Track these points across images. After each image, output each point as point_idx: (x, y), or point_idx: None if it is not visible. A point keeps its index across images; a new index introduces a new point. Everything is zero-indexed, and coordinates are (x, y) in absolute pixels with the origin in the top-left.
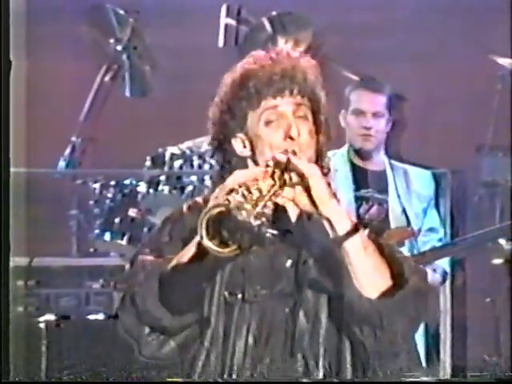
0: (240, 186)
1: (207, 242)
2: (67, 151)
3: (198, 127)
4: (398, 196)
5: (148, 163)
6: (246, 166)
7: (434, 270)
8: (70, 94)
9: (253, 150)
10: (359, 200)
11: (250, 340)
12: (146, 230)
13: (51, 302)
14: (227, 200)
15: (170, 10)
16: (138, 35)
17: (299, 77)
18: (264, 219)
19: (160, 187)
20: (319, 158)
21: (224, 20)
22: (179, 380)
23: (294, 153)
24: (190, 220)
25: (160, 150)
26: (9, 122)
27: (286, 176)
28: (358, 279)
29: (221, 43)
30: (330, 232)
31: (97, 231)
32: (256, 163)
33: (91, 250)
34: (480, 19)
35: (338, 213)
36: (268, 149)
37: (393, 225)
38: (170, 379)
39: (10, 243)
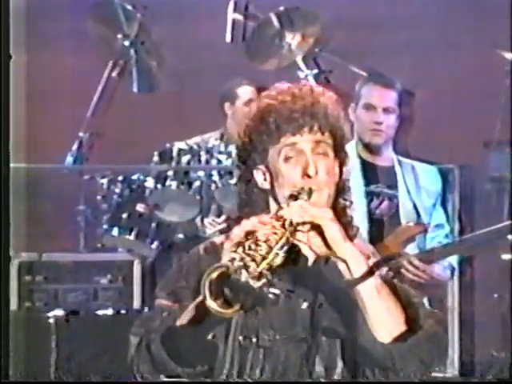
0: (248, 238)
1: (211, 303)
2: (75, 147)
3: (205, 122)
4: (408, 192)
5: (156, 158)
6: (266, 199)
7: (445, 267)
8: (78, 89)
9: (272, 183)
10: (369, 195)
11: None
12: (153, 225)
13: (59, 297)
14: (232, 258)
15: (178, 6)
16: (145, 31)
17: (320, 113)
18: (265, 280)
19: (167, 182)
20: (342, 191)
21: (231, 15)
22: (179, 380)
23: (311, 190)
24: (206, 263)
25: (167, 145)
26: (9, 119)
27: (298, 224)
28: (371, 323)
29: (228, 39)
30: (344, 274)
31: (105, 226)
32: (275, 197)
33: (99, 245)
34: (487, 14)
35: (354, 255)
36: (286, 185)
37: (403, 220)
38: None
39: (9, 239)
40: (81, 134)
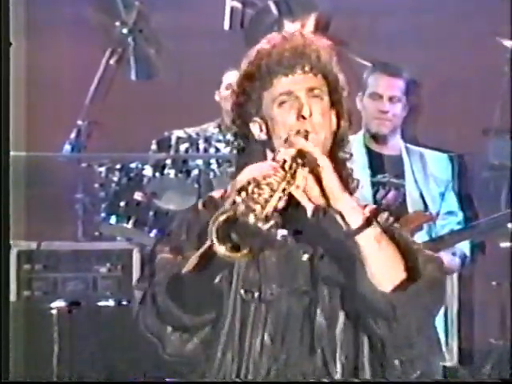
0: (249, 183)
1: (219, 248)
2: (73, 135)
3: (203, 110)
4: (415, 180)
5: (154, 147)
6: (263, 151)
7: (454, 254)
8: (76, 77)
9: (269, 133)
10: (376, 185)
11: (267, 338)
12: (151, 213)
13: (58, 286)
14: (236, 202)
15: None
16: (143, 18)
17: (311, 54)
18: (273, 221)
19: (166, 171)
20: (341, 143)
21: (230, 3)
22: (179, 380)
23: (307, 132)
24: (205, 217)
25: (166, 133)
26: (9, 107)
27: (298, 164)
28: (372, 273)
29: (226, 26)
30: (342, 225)
31: (102, 215)
32: (272, 148)
33: (96, 233)
34: (488, 2)
35: (350, 207)
36: (282, 130)
37: (410, 209)
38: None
39: (9, 227)
40: (79, 122)
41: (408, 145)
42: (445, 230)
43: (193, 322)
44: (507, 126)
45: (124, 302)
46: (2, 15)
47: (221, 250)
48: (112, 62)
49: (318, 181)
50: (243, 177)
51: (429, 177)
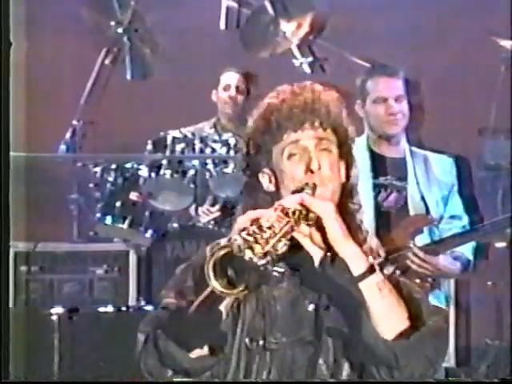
0: (252, 225)
1: (214, 283)
2: (68, 135)
3: (200, 110)
4: (418, 183)
5: (149, 147)
6: (271, 202)
7: (456, 258)
8: (71, 77)
9: (277, 185)
10: (377, 188)
11: None
12: (147, 214)
13: (55, 288)
14: (234, 239)
15: None
16: (139, 18)
17: (321, 109)
18: (269, 258)
19: (162, 171)
20: (349, 194)
21: (225, 2)
22: (179, 380)
23: (314, 185)
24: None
25: (161, 133)
26: (9, 107)
27: (302, 213)
28: (375, 320)
29: (222, 26)
30: (346, 273)
31: (98, 215)
32: (281, 198)
33: (91, 233)
34: (484, 1)
35: (353, 254)
36: (291, 183)
37: (412, 212)
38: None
39: (9, 228)
40: (74, 122)
41: (413, 148)
42: (449, 234)
43: (193, 365)
44: (503, 126)
45: (123, 308)
46: (2, 17)
47: (216, 285)
48: (107, 61)
49: (321, 226)
50: (245, 218)
51: (432, 180)
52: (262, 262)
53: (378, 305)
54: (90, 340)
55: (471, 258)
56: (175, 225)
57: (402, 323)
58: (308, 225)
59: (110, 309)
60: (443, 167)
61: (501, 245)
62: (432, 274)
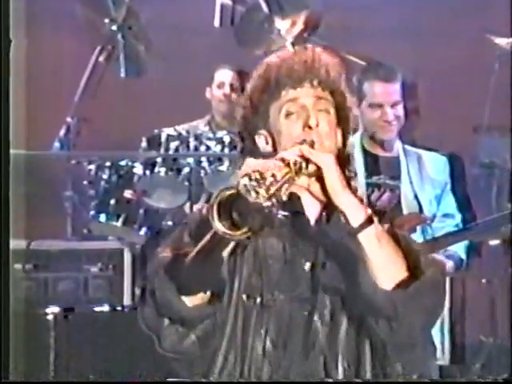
0: (254, 172)
1: (218, 225)
2: (62, 132)
3: (193, 108)
4: (411, 182)
5: (144, 144)
6: None
7: (448, 257)
8: (64, 74)
9: (275, 146)
10: (371, 187)
11: (268, 344)
12: (141, 211)
13: (49, 286)
14: (240, 183)
15: None
16: (133, 15)
17: (320, 69)
18: (275, 200)
19: (156, 169)
20: (345, 161)
21: (220, 0)
22: (179, 380)
23: (312, 142)
24: (209, 221)
25: (156, 131)
26: (8, 104)
27: (302, 164)
28: (373, 270)
29: (217, 23)
30: (344, 227)
31: (92, 212)
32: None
33: (84, 230)
34: None
35: (352, 204)
36: (288, 142)
37: (405, 211)
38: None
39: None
40: (68, 120)
41: (406, 146)
42: (442, 232)
43: (190, 313)
44: (497, 124)
45: (118, 308)
46: (1, 14)
47: (220, 227)
48: (101, 59)
49: (320, 177)
50: (246, 167)
51: (425, 179)
52: (268, 203)
53: (376, 255)
54: (86, 339)
55: (464, 256)
56: (170, 223)
57: (401, 273)
58: (307, 176)
59: (105, 308)
60: (437, 166)
61: (495, 242)
62: None
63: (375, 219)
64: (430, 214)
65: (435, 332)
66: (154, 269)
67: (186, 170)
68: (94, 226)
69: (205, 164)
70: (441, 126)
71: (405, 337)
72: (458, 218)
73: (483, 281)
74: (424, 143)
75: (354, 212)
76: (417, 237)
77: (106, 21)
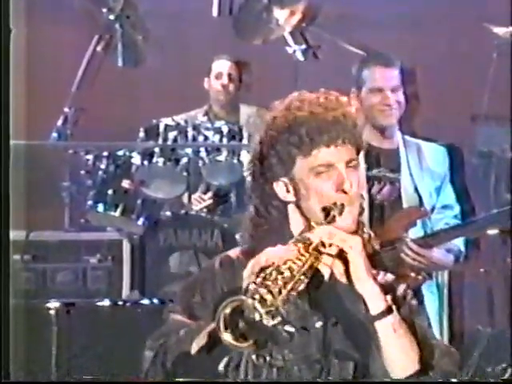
0: (270, 266)
1: (225, 336)
2: (59, 122)
3: (192, 97)
4: (411, 174)
5: (142, 134)
6: (284, 213)
7: (449, 251)
8: (62, 64)
9: (297, 195)
10: (371, 180)
11: None
12: (139, 201)
13: (48, 277)
14: (249, 290)
15: None
16: (130, 4)
17: (349, 125)
18: (280, 318)
19: (154, 159)
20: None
21: None
22: (179, 380)
23: (342, 206)
24: (221, 278)
25: (154, 121)
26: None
27: (325, 246)
28: (386, 359)
29: (215, 13)
30: (362, 309)
31: (90, 202)
32: (300, 208)
33: (82, 220)
34: None
35: (373, 292)
36: (315, 197)
37: (405, 204)
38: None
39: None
40: (66, 110)
41: (406, 137)
42: (441, 223)
43: None
44: (496, 113)
45: (120, 303)
46: (2, 3)
47: (227, 338)
48: (99, 48)
49: (344, 258)
50: (263, 257)
51: (425, 171)
52: (272, 322)
53: (391, 345)
54: (88, 333)
55: (463, 248)
56: (168, 213)
57: (413, 366)
58: (330, 256)
59: (106, 303)
60: (436, 157)
61: (493, 232)
62: (426, 266)
63: (394, 308)
64: (429, 206)
65: (434, 322)
66: (166, 333)
67: (184, 160)
68: (92, 216)
69: (203, 154)
70: (439, 115)
71: None
72: (457, 209)
73: (481, 270)
74: (422, 132)
75: (374, 300)
76: (417, 231)
77: (104, 10)
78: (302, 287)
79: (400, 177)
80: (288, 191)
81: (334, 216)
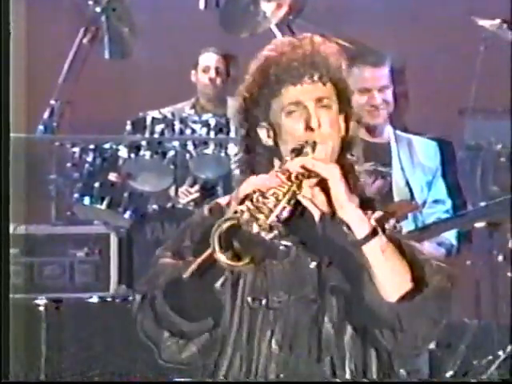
0: (254, 192)
1: (220, 256)
2: (46, 115)
3: (178, 90)
4: (402, 168)
5: (129, 127)
6: (270, 157)
7: (440, 244)
8: (51, 56)
9: (276, 140)
10: (362, 174)
11: (274, 345)
12: (126, 194)
13: (35, 271)
14: (240, 211)
15: None
16: None
17: (320, 62)
18: (277, 232)
19: (141, 152)
20: (349, 146)
21: None
22: (179, 380)
23: (314, 143)
24: (210, 223)
25: (141, 114)
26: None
27: (305, 175)
28: (378, 282)
29: (202, 5)
30: (348, 235)
31: (76, 195)
32: (279, 155)
33: (68, 213)
34: None
35: (356, 216)
36: (290, 139)
37: (396, 198)
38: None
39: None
40: (52, 102)
41: (397, 131)
42: (432, 218)
43: (190, 328)
44: (483, 106)
45: (108, 299)
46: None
47: (222, 258)
48: (85, 41)
49: (325, 189)
50: (247, 186)
51: (416, 165)
52: (270, 235)
53: (381, 267)
54: (76, 328)
55: (455, 242)
56: (155, 206)
57: (405, 285)
58: (310, 187)
59: (95, 299)
60: (427, 152)
61: (480, 225)
62: None
63: (379, 230)
64: (421, 200)
65: None
66: (154, 275)
67: (171, 153)
68: (79, 209)
69: (190, 147)
70: (426, 108)
71: (410, 347)
72: (449, 203)
73: (468, 263)
74: (409, 126)
75: (358, 224)
76: (408, 224)
77: (90, 2)
78: (286, 214)
79: (391, 171)
80: (268, 136)
81: (308, 154)
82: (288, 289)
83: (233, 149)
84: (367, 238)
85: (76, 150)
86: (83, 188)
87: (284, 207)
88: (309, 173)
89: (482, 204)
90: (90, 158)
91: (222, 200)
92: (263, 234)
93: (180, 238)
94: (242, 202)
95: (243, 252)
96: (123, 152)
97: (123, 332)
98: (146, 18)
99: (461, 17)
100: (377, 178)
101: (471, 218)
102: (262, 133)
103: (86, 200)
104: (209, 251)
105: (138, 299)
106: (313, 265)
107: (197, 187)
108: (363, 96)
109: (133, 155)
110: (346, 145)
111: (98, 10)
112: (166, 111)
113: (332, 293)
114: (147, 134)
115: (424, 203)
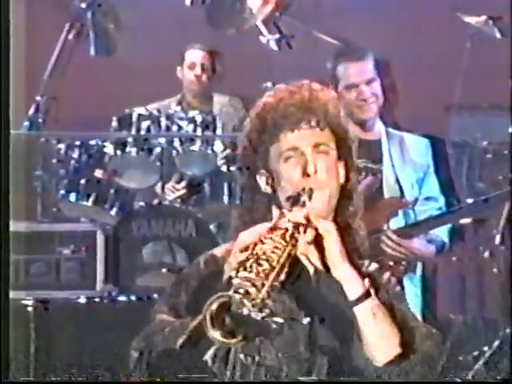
0: (248, 259)
1: (213, 334)
2: (31, 111)
3: (164, 86)
4: (393, 165)
5: (114, 124)
6: (268, 206)
7: (430, 241)
8: (36, 51)
9: (274, 187)
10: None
11: None
12: (112, 191)
13: (21, 268)
14: (233, 287)
15: None
16: None
17: (317, 108)
18: (268, 311)
19: (127, 149)
20: (349, 196)
21: None
22: (179, 380)
23: (311, 190)
24: (206, 276)
25: (127, 110)
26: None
27: (300, 233)
28: (366, 344)
29: (188, 1)
30: (340, 295)
31: (62, 192)
32: (277, 201)
33: (54, 209)
34: None
35: (350, 277)
36: (288, 186)
37: (386, 195)
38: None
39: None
40: (37, 98)
41: (389, 129)
42: (425, 215)
43: None
44: (469, 103)
45: (96, 300)
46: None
47: (215, 335)
48: (71, 37)
49: (320, 245)
50: (242, 241)
51: (407, 162)
52: (261, 315)
53: (371, 330)
54: (65, 328)
55: (447, 240)
56: (141, 203)
57: (394, 350)
58: (306, 243)
59: (82, 300)
60: (419, 149)
61: (465, 221)
62: (406, 257)
63: (372, 293)
64: (411, 198)
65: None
66: (152, 333)
67: (158, 149)
68: (64, 206)
69: (176, 144)
70: (412, 105)
71: None
72: (442, 201)
73: (454, 259)
74: (398, 123)
75: (351, 285)
76: (398, 221)
77: None
78: (283, 278)
79: (382, 168)
80: (267, 183)
81: (304, 202)
82: (281, 346)
83: (219, 146)
84: (359, 300)
85: (62, 146)
86: (69, 184)
87: (278, 274)
88: (305, 227)
89: (470, 201)
90: (75, 155)
91: (217, 251)
92: (254, 314)
93: (176, 291)
94: (236, 272)
95: (236, 329)
96: (109, 149)
97: (112, 332)
98: (131, 14)
99: (447, 13)
100: (367, 175)
101: (459, 215)
102: (261, 181)
103: (72, 197)
104: (197, 320)
105: (135, 356)
106: (305, 321)
107: (183, 184)
108: (352, 92)
109: (119, 152)
110: (345, 193)
111: (83, 6)
112: (152, 108)
113: (323, 352)
114: (133, 131)
115: (415, 200)
